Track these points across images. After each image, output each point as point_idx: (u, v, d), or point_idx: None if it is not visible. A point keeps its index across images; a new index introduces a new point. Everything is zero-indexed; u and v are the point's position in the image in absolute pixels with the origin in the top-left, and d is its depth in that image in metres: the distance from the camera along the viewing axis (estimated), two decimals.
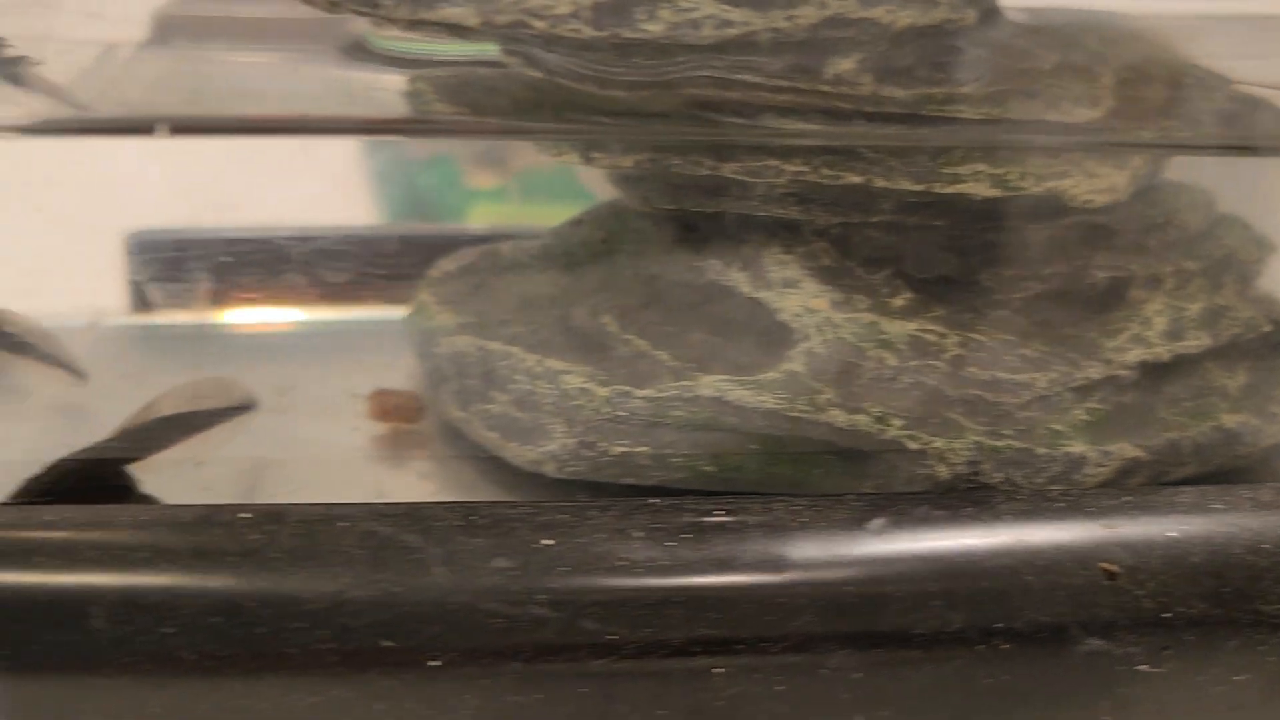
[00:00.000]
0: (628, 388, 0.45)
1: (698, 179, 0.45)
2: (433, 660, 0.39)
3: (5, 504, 0.43)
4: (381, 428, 0.51)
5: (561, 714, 0.40)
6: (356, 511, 0.41)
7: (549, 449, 0.46)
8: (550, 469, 0.46)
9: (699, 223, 0.48)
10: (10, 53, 0.53)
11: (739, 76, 0.44)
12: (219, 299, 0.58)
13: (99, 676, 0.39)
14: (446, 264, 0.54)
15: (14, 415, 0.52)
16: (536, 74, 0.46)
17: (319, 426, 0.50)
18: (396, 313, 0.55)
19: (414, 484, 0.48)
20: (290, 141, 0.59)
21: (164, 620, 0.39)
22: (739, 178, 0.45)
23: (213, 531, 0.40)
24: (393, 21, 0.45)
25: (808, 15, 0.41)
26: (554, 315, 0.49)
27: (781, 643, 0.39)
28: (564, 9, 0.39)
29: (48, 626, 0.39)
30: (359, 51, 0.52)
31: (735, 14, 0.40)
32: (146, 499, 0.45)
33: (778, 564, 0.40)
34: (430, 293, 0.52)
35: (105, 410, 0.51)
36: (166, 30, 0.58)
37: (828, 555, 0.40)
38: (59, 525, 0.41)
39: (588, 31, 0.39)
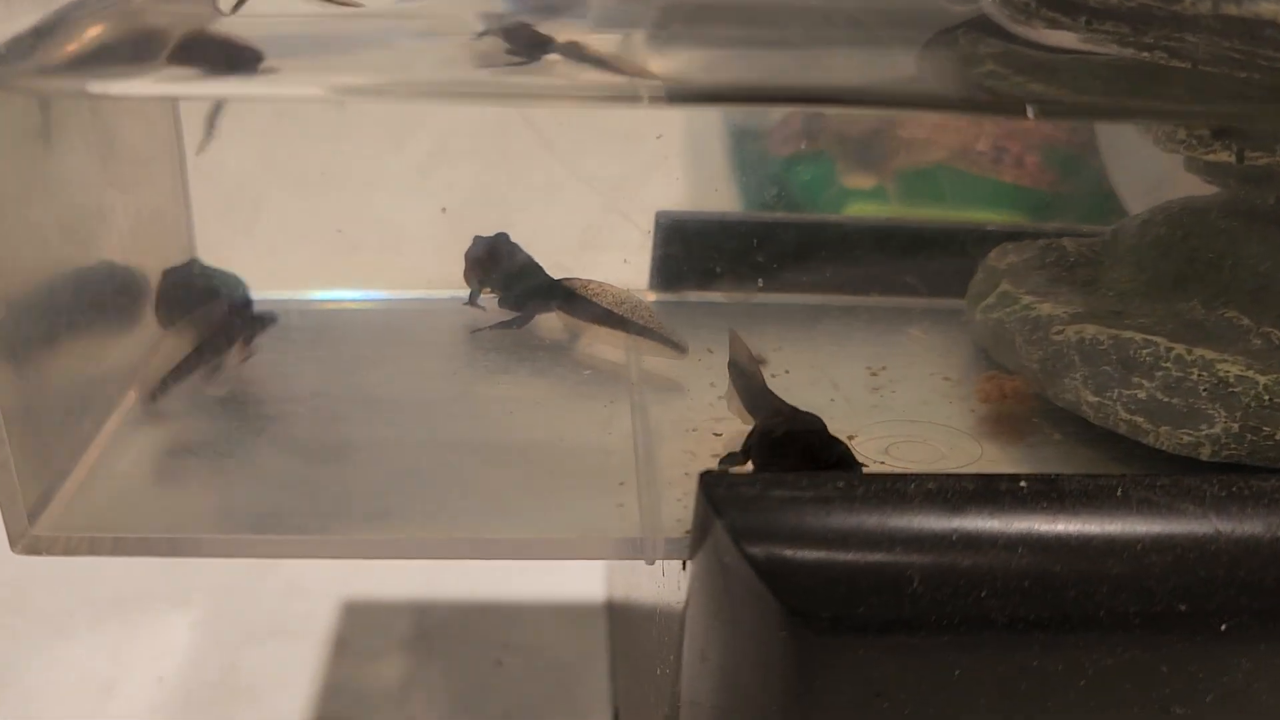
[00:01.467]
0: None
1: None
2: (1222, 624, 0.41)
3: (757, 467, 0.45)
4: (984, 408, 0.53)
5: None
6: (1120, 483, 0.43)
7: (1210, 432, 0.48)
8: (1205, 452, 0.49)
9: None
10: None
11: None
12: (737, 279, 0.60)
13: (914, 636, 0.41)
14: (1006, 257, 0.57)
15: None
16: (1181, 65, 0.49)
17: (930, 407, 0.52)
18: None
19: (1050, 463, 0.50)
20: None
21: (978, 585, 0.41)
22: None
23: (1003, 499, 0.42)
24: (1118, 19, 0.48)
25: None
26: (1162, 307, 0.52)
27: None
28: None
29: (871, 592, 0.40)
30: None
31: None
32: (854, 464, 0.46)
33: None
34: (1009, 283, 0.55)
35: (692, 378, 0.53)
36: (668, 16, 0.60)
37: None
38: (848, 494, 0.42)
39: None
